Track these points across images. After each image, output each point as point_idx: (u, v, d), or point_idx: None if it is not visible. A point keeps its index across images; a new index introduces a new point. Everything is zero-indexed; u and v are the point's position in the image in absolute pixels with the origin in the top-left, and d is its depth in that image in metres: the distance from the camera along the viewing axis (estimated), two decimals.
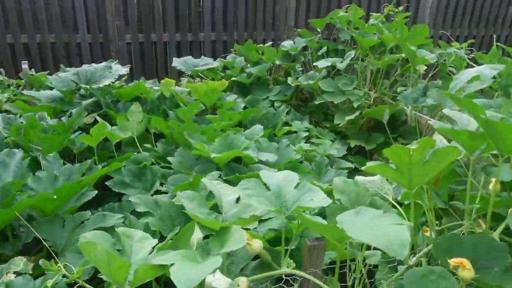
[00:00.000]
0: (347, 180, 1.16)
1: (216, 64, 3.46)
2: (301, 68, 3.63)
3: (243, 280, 0.76)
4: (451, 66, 2.66)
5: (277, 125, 2.71)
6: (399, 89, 2.76)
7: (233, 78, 3.38)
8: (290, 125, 2.86)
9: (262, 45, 3.63)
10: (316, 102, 3.01)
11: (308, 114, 3.30)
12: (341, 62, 2.92)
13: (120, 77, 2.73)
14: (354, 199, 1.11)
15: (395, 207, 1.29)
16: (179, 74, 3.85)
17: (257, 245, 0.94)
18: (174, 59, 3.32)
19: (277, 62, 3.36)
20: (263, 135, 2.43)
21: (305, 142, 2.69)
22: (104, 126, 2.04)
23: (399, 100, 2.50)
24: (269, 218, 1.47)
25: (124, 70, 2.62)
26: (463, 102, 1.10)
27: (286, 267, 0.94)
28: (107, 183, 1.85)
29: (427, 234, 1.28)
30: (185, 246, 1.00)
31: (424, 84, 2.49)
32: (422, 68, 2.77)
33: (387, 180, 1.42)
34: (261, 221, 1.46)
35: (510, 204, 1.21)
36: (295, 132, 2.79)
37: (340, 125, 2.88)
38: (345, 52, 3.12)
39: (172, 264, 0.80)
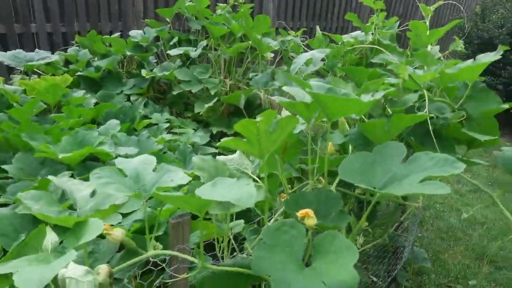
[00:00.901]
0: (204, 157, 1.20)
1: (56, 58, 3.09)
2: (155, 60, 3.54)
3: (103, 267, 0.72)
4: (292, 52, 2.98)
5: (135, 119, 2.60)
6: (251, 75, 2.96)
7: (79, 73, 3.08)
8: (150, 118, 2.77)
9: (108, 36, 3.40)
10: (174, 93, 2.99)
11: (168, 106, 3.26)
12: (194, 51, 2.96)
13: None
14: (214, 173, 1.16)
15: (255, 181, 1.40)
16: (9, 70, 3.31)
17: (119, 233, 0.90)
18: (0, 53, 2.83)
19: (128, 54, 3.20)
20: (121, 130, 2.30)
21: (168, 133, 2.65)
22: None
23: (252, 85, 2.69)
24: (133, 211, 1.42)
25: None
26: (295, 80, 1.27)
27: (153, 250, 0.92)
28: None
29: (284, 199, 1.44)
30: (36, 252, 0.89)
31: (271, 69, 2.73)
32: (269, 55, 3.02)
33: (249, 159, 1.53)
34: (124, 215, 1.40)
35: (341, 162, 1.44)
36: (156, 124, 2.72)
37: (200, 113, 2.93)
38: (198, 42, 3.17)
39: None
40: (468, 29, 4.91)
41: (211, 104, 2.80)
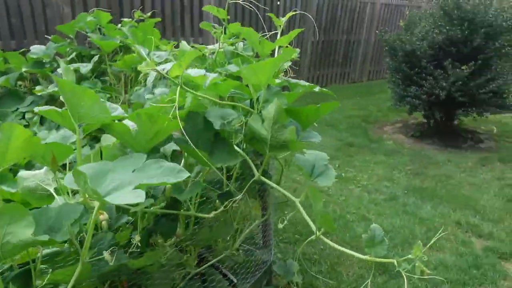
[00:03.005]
0: None
1: None
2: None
3: None
4: None
5: None
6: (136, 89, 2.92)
7: None
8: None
9: (14, 52, 3.34)
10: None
11: None
12: (85, 67, 2.92)
13: None
14: None
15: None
16: None
17: None
18: None
19: (23, 70, 3.14)
20: None
21: None
22: None
23: (133, 99, 2.65)
24: None
25: None
26: None
27: None
28: None
29: None
30: None
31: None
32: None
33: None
34: None
35: None
36: None
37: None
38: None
39: None
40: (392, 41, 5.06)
41: None
